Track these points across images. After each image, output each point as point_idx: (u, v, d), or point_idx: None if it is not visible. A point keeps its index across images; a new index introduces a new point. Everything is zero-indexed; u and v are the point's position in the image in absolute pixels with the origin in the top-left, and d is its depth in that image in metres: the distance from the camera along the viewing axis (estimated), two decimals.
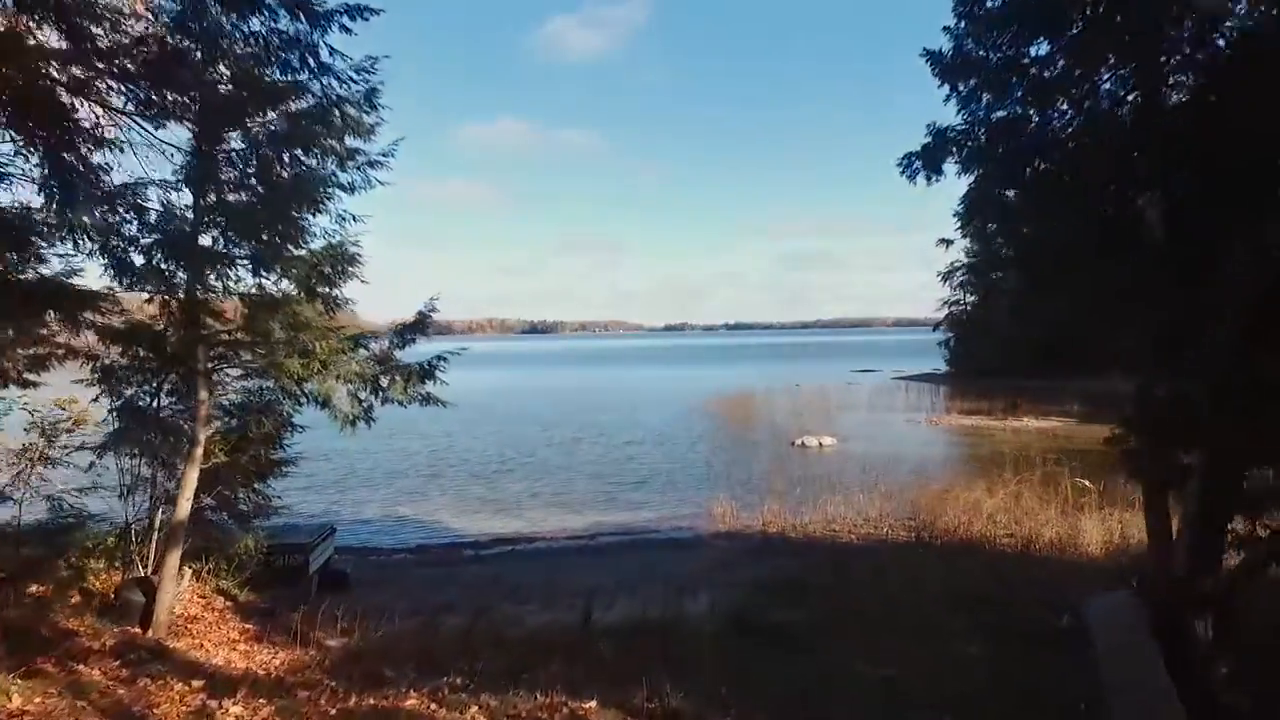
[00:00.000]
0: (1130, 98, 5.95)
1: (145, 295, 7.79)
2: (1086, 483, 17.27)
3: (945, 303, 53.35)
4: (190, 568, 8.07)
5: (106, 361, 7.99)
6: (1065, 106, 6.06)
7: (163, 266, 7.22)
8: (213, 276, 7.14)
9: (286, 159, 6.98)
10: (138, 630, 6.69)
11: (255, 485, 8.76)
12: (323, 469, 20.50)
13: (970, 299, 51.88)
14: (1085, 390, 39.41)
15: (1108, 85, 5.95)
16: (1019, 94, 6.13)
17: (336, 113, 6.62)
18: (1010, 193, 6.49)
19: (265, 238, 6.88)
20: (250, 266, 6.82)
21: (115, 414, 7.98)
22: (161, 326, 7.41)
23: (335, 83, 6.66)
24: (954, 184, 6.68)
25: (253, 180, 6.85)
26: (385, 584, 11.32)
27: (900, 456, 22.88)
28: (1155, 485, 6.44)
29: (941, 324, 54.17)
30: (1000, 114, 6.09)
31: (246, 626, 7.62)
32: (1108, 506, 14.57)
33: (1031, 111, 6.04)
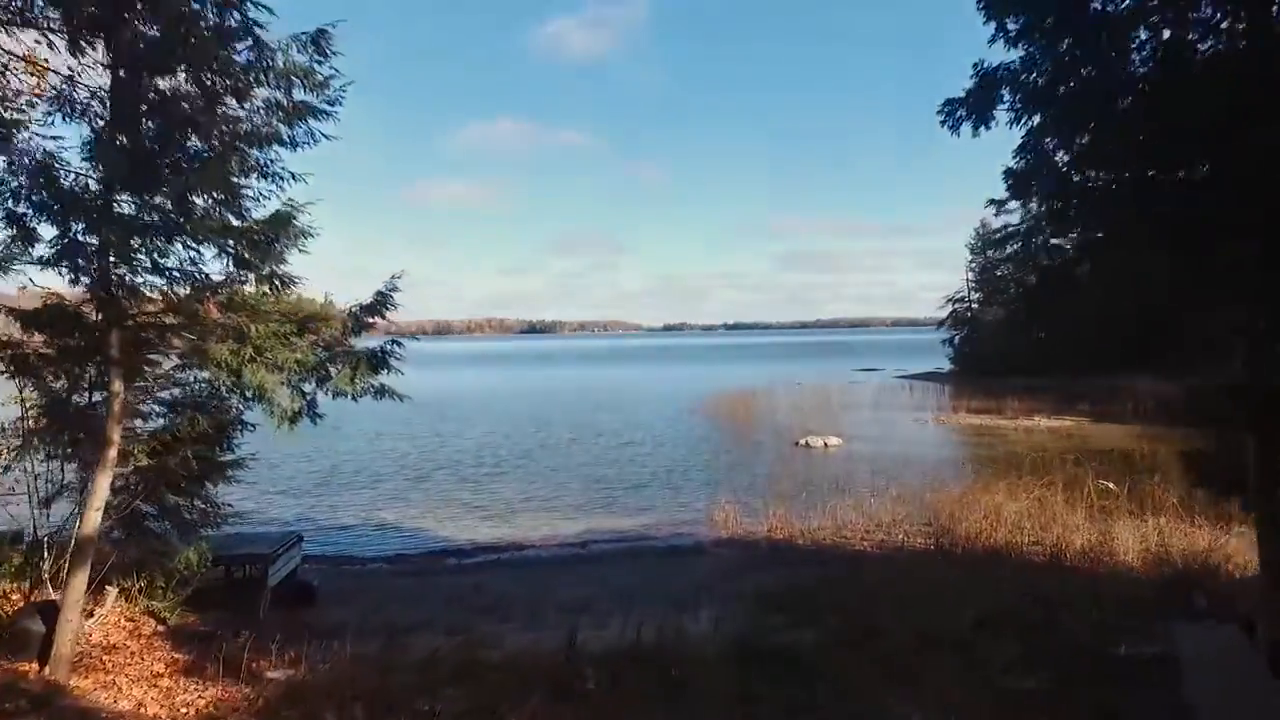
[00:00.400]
0: (1224, 25, 4.88)
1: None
2: (1111, 485, 16.19)
3: (949, 299, 52.16)
4: (117, 585, 6.99)
5: (25, 351, 6.93)
6: (1145, 35, 4.97)
7: (81, 239, 6.16)
8: (135, 249, 6.05)
9: (218, 110, 5.90)
10: (32, 666, 5.62)
11: (199, 491, 7.66)
12: (302, 470, 19.42)
13: (975, 296, 50.79)
14: (1095, 388, 38.42)
15: (1200, 10, 4.88)
16: (1087, 24, 5.04)
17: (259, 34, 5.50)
18: (1072, 144, 5.40)
19: (193, 201, 5.80)
20: (168, 234, 5.72)
21: (33, 410, 6.93)
22: (74, 309, 6.31)
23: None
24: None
25: (177, 135, 5.75)
26: (356, 596, 10.25)
27: (909, 457, 21.81)
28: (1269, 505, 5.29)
29: (945, 322, 52.97)
30: (1068, 43, 4.99)
31: (177, 656, 6.53)
32: (1138, 511, 13.52)
33: (1103, 39, 4.95)
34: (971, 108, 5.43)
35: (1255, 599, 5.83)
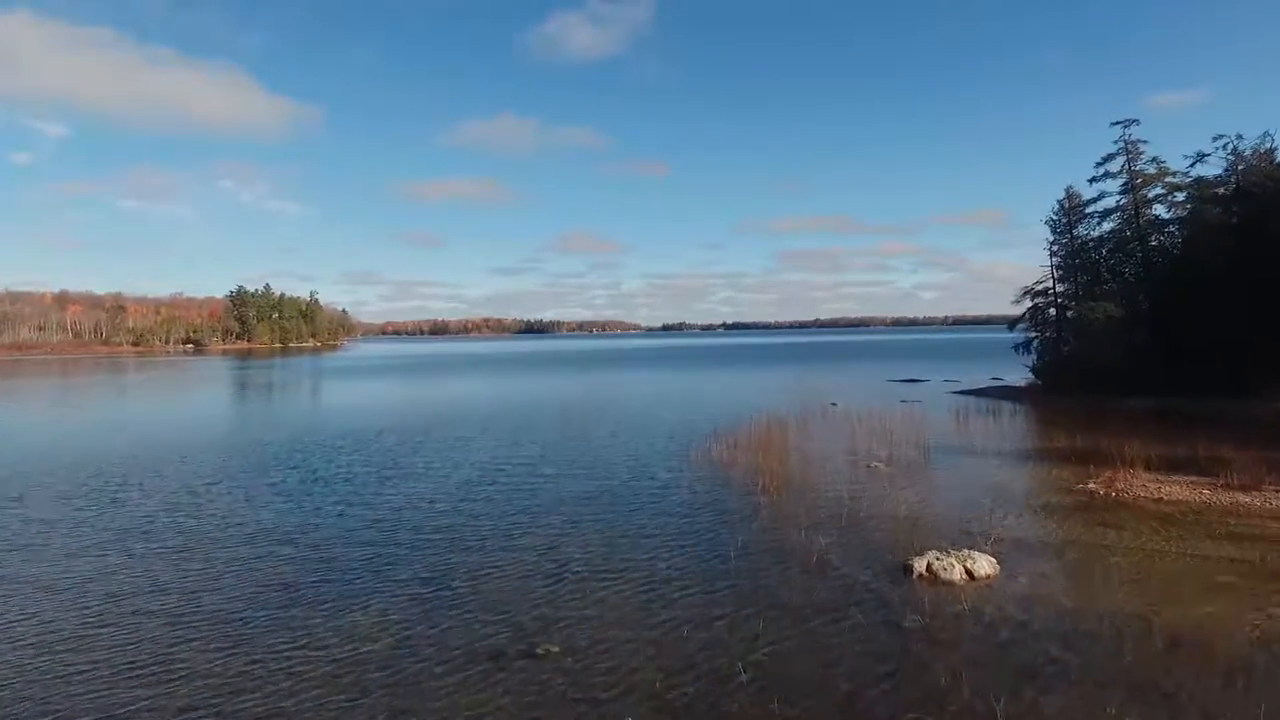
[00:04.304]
0: None
1: None
2: None
3: (1027, 291, 39.15)
4: None
5: None
6: None
7: None
8: None
9: None
10: None
11: None
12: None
13: (1062, 289, 37.99)
14: (1246, 412, 25.98)
15: None
16: None
17: None
18: None
19: None
20: None
21: None
22: None
23: None
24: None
25: None
26: None
27: (1176, 637, 9.34)
28: None
29: (1022, 319, 39.94)
30: None
31: None
32: None
33: None
34: None
35: None
